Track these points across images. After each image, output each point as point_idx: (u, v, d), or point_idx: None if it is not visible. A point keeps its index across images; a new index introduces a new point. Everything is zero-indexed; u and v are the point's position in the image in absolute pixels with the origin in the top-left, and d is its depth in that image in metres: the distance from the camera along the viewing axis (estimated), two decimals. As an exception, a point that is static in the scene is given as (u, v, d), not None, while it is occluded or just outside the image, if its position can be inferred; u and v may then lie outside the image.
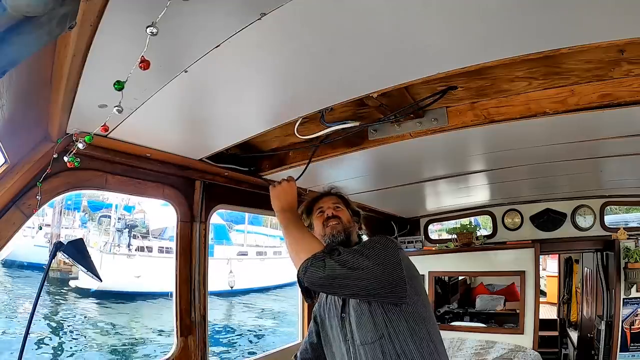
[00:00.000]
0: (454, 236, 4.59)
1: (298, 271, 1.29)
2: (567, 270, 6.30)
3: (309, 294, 1.39)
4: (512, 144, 1.94)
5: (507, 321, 4.51)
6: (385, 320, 1.32)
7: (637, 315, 3.70)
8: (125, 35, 0.85)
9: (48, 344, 9.80)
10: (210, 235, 2.24)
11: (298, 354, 1.70)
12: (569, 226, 4.17)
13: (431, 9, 0.85)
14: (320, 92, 1.27)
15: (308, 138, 1.64)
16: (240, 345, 11.19)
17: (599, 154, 2.24)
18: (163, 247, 16.25)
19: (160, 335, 11.02)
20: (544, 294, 8.09)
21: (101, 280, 1.49)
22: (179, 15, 0.79)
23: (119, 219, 17.20)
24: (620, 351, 3.73)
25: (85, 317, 12.31)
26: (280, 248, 22.12)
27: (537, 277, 4.08)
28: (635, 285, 3.73)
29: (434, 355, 1.31)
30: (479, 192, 3.60)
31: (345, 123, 1.55)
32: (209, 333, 2.16)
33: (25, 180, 1.39)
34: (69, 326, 11.30)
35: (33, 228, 15.23)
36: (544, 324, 5.18)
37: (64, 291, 14.06)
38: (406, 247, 4.59)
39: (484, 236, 4.66)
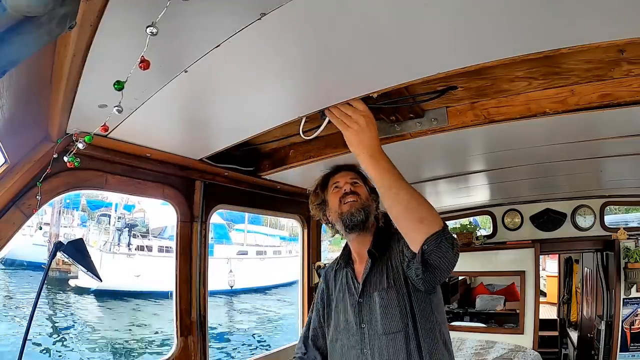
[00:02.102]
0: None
1: (427, 241, 1.10)
2: (567, 270, 6.31)
3: (430, 271, 1.16)
4: (512, 144, 1.94)
5: (507, 321, 4.52)
6: (412, 310, 1.30)
7: (637, 315, 3.71)
8: (125, 35, 0.85)
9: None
10: (210, 234, 2.24)
11: (309, 341, 1.61)
12: (569, 226, 4.18)
13: (431, 9, 0.84)
14: (320, 92, 1.26)
15: (312, 138, 1.63)
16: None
17: (599, 154, 2.24)
18: (163, 247, 16.27)
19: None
20: (544, 294, 8.10)
21: (101, 281, 1.49)
22: (179, 15, 0.79)
23: (119, 218, 17.23)
24: (620, 351, 3.74)
25: (84, 317, 12.31)
26: (280, 247, 22.14)
27: (537, 277, 4.08)
28: (635, 285, 3.74)
29: (450, 348, 1.35)
30: (479, 192, 3.60)
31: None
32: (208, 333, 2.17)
33: (25, 180, 1.39)
34: (68, 328, 11.30)
35: (32, 227, 15.24)
36: (544, 324, 5.19)
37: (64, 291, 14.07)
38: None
39: (484, 236, 4.66)
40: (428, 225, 1.11)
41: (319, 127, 1.49)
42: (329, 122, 1.34)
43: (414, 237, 1.14)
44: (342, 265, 1.55)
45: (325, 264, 3.04)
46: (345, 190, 1.48)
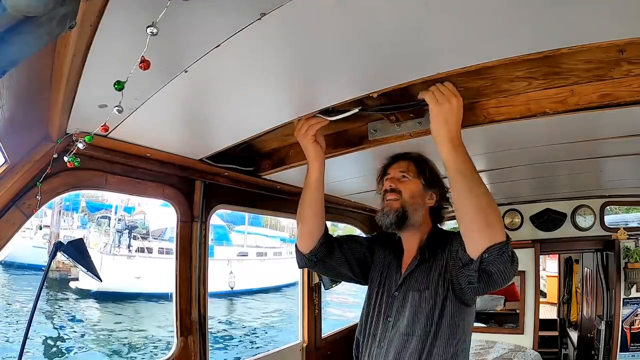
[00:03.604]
0: (454, 236, 4.58)
1: (489, 249, 1.04)
2: (567, 270, 6.31)
3: (485, 280, 1.10)
4: (512, 144, 1.94)
5: (507, 321, 4.50)
6: (440, 319, 1.26)
7: (637, 315, 3.71)
8: (125, 35, 0.85)
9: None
10: (210, 236, 2.24)
11: (334, 239, 1.54)
12: (569, 226, 4.17)
13: (431, 9, 0.84)
14: (320, 92, 1.27)
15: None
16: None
17: (599, 154, 2.23)
18: (163, 248, 16.25)
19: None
20: (544, 294, 8.10)
21: (101, 281, 1.49)
22: (179, 15, 0.79)
23: (119, 220, 17.21)
24: (620, 351, 3.73)
25: (85, 318, 12.31)
26: (281, 249, 22.12)
27: (537, 277, 4.08)
28: (635, 285, 3.73)
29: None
30: (479, 192, 3.59)
31: (345, 112, 1.42)
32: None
33: (25, 180, 1.39)
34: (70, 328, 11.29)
35: (32, 229, 15.24)
36: (544, 324, 5.18)
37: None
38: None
39: (484, 236, 4.65)
40: (494, 233, 1.06)
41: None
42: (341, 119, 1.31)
43: (477, 242, 1.08)
44: (396, 250, 1.49)
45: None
46: (387, 186, 1.42)
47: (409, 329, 1.27)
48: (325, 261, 1.50)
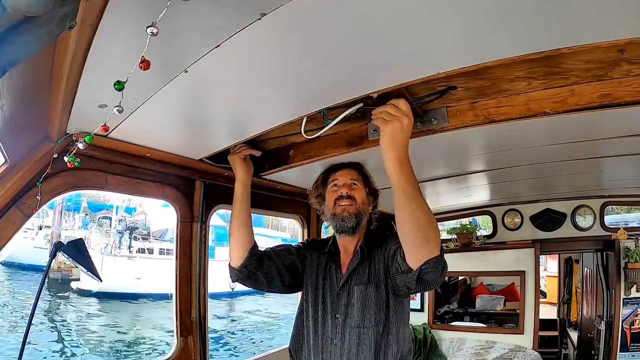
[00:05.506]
0: (454, 236, 4.59)
1: (427, 262, 1.14)
2: (567, 270, 6.31)
3: (421, 286, 1.22)
4: (512, 144, 1.94)
5: (507, 321, 4.51)
6: (387, 308, 1.34)
7: (637, 315, 3.71)
8: (126, 35, 0.85)
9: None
10: (211, 236, 2.23)
11: (264, 253, 1.60)
12: (569, 226, 4.17)
13: (431, 9, 0.85)
14: (320, 92, 1.27)
15: (312, 137, 1.63)
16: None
17: (599, 154, 2.23)
18: (164, 249, 16.24)
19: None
20: (544, 294, 8.11)
21: (101, 281, 1.48)
22: (179, 15, 0.79)
23: (120, 220, 17.20)
24: (620, 351, 3.74)
25: (85, 318, 12.31)
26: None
27: (537, 277, 4.09)
28: (635, 285, 3.74)
29: (410, 344, 1.42)
30: (479, 192, 3.60)
31: (345, 110, 1.43)
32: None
33: (25, 180, 1.39)
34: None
35: (33, 230, 15.23)
36: (544, 324, 5.19)
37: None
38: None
39: (484, 236, 4.66)
40: (432, 248, 1.15)
41: (322, 127, 1.49)
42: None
43: (417, 255, 1.17)
44: (332, 252, 1.56)
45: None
46: (341, 192, 1.49)
47: (360, 321, 1.35)
48: (256, 273, 1.56)
